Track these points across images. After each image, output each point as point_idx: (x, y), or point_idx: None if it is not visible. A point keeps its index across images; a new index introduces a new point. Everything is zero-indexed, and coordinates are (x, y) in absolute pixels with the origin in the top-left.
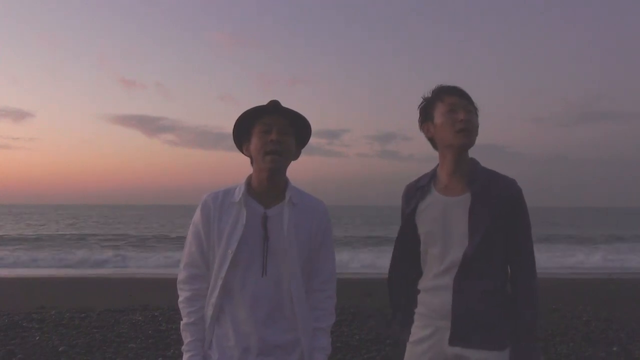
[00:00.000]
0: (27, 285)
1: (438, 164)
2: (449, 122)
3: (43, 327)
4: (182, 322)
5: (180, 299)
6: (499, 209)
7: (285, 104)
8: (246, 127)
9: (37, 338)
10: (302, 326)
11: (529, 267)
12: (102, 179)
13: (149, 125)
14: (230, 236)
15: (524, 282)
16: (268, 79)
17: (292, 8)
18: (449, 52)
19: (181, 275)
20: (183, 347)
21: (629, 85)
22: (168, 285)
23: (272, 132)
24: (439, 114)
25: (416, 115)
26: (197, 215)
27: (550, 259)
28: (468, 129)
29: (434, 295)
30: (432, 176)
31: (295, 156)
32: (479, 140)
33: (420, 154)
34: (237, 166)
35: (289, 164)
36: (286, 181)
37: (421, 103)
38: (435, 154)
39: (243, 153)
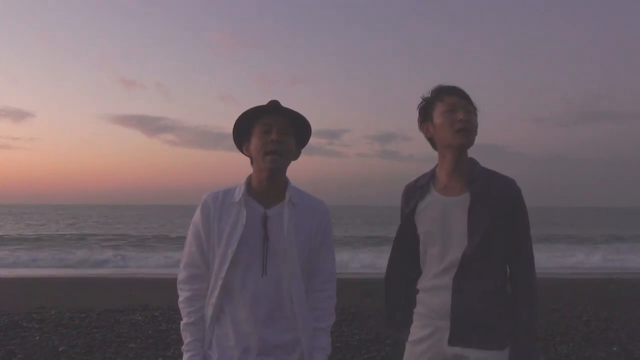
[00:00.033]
0: (27, 285)
1: (437, 164)
2: (448, 122)
3: (43, 327)
4: (182, 322)
5: (180, 299)
6: (498, 209)
7: (285, 104)
8: (246, 127)
9: (37, 338)
10: (302, 326)
11: (528, 267)
12: (102, 179)
13: (149, 125)
14: (230, 236)
15: (524, 282)
16: (268, 79)
17: (292, 8)
18: (449, 52)
19: (181, 275)
20: (183, 347)
21: (629, 85)
22: (168, 285)
23: (272, 132)
24: (438, 114)
25: (416, 115)
26: (197, 215)
27: (550, 259)
28: (467, 129)
29: (433, 295)
30: (431, 176)
31: (295, 156)
32: (479, 140)
33: (420, 154)
34: (237, 166)
35: (289, 164)
36: (286, 181)
37: (420, 103)
38: (435, 154)
39: (243, 153)
